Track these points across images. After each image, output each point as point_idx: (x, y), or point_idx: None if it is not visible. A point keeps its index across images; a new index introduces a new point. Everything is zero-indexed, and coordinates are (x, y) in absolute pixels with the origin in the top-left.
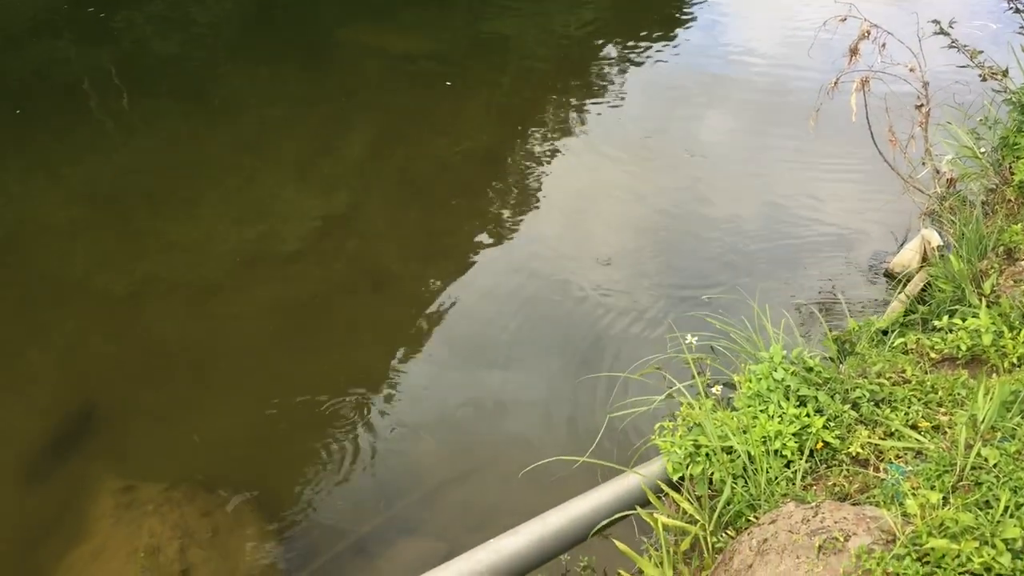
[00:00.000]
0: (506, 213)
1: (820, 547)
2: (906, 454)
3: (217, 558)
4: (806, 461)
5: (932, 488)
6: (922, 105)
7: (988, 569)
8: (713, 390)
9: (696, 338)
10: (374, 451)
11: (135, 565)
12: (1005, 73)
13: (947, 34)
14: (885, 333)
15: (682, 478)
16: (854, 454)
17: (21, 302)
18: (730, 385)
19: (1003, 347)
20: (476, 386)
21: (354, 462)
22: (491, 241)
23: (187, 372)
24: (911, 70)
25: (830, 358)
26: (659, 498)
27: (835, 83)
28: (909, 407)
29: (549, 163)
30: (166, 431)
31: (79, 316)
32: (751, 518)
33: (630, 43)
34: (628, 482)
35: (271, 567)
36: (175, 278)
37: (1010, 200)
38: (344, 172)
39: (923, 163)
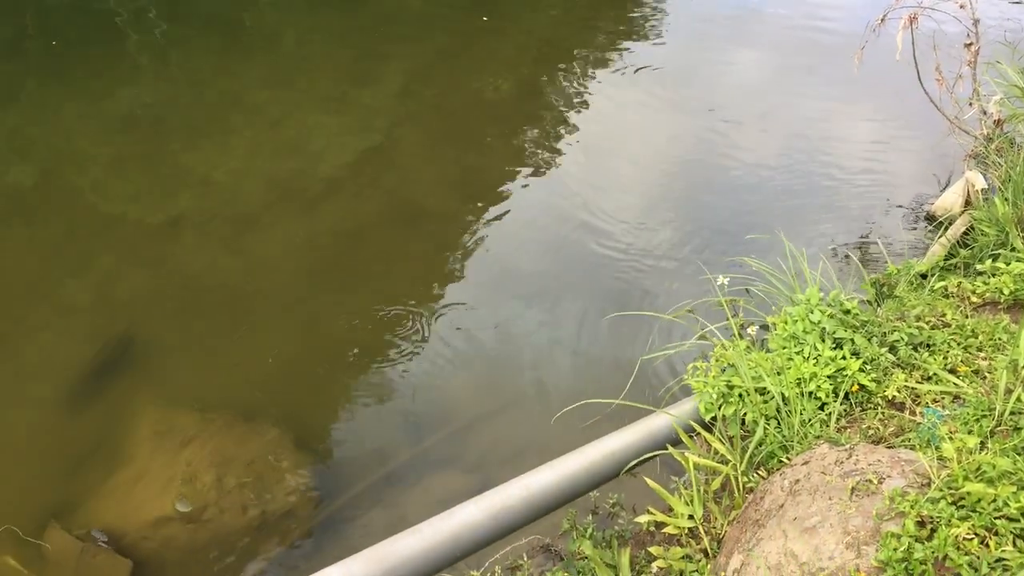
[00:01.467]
0: (541, 150)
1: (853, 489)
2: (943, 398)
3: (252, 487)
4: (841, 404)
5: (970, 432)
6: (971, 43)
7: None
8: (748, 331)
9: (729, 280)
10: (407, 385)
11: (172, 492)
12: None
13: None
14: (925, 277)
15: (714, 418)
16: (890, 397)
17: (61, 233)
18: (764, 327)
19: None
20: (508, 323)
21: (387, 396)
22: (525, 178)
23: (223, 304)
24: (961, 6)
25: (868, 301)
26: (691, 438)
27: (882, 20)
28: (948, 351)
29: (585, 101)
30: (203, 362)
31: (117, 247)
32: (783, 459)
33: None
34: (659, 421)
35: (306, 496)
36: (211, 211)
37: None
38: (380, 106)
39: (970, 103)
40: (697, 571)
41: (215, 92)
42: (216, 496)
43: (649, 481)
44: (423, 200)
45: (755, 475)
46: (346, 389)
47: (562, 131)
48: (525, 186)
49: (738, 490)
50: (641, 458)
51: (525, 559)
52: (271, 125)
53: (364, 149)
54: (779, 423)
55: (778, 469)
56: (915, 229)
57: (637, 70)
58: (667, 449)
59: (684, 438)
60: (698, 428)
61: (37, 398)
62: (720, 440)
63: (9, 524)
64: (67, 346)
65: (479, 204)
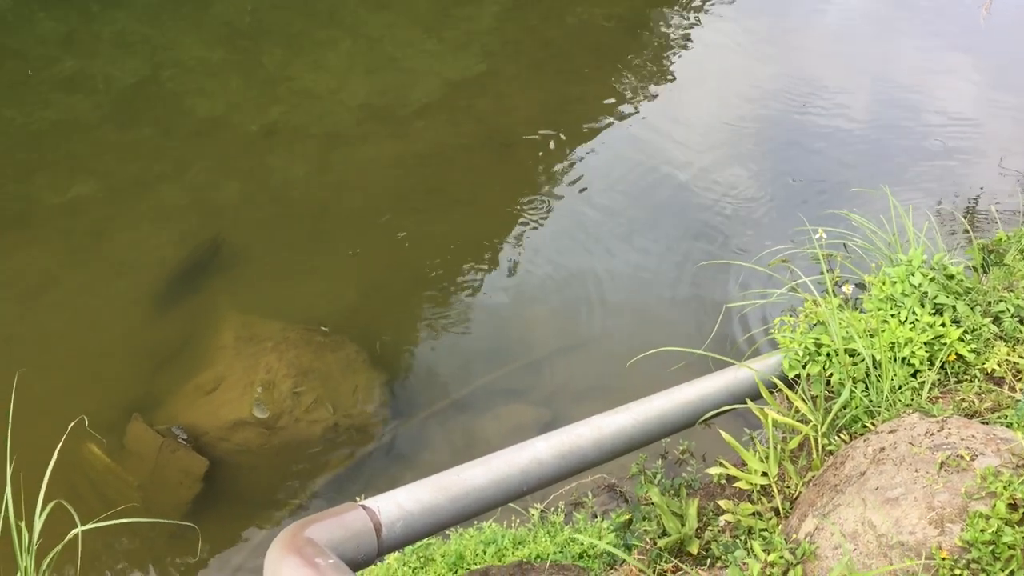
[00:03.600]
0: (639, 86)
1: (942, 463)
2: None
3: (328, 399)
4: (936, 373)
5: None
6: None
7: None
8: (842, 289)
9: (827, 233)
10: (486, 313)
11: (250, 397)
12: None
13: None
14: None
15: (798, 376)
16: (989, 371)
17: (160, 135)
18: (860, 286)
19: None
20: (593, 260)
21: (465, 322)
22: (621, 113)
23: (311, 218)
24: None
25: (973, 268)
26: (771, 394)
27: None
28: None
29: (690, 39)
30: (288, 273)
31: (213, 153)
32: (868, 425)
33: None
34: (740, 374)
35: (377, 414)
36: (305, 124)
37: None
38: (479, 31)
39: None
40: (767, 529)
41: (316, 7)
42: (291, 405)
43: (724, 434)
44: (515, 129)
45: (836, 438)
46: (424, 312)
47: (661, 68)
48: (619, 121)
49: (817, 452)
50: (718, 411)
51: (590, 497)
52: (369, 43)
53: (460, 73)
54: (867, 387)
55: (862, 435)
56: None
57: (747, 12)
58: (745, 403)
59: (764, 393)
60: (779, 384)
61: (128, 295)
62: (802, 399)
63: (94, 415)
64: (159, 246)
65: (571, 136)
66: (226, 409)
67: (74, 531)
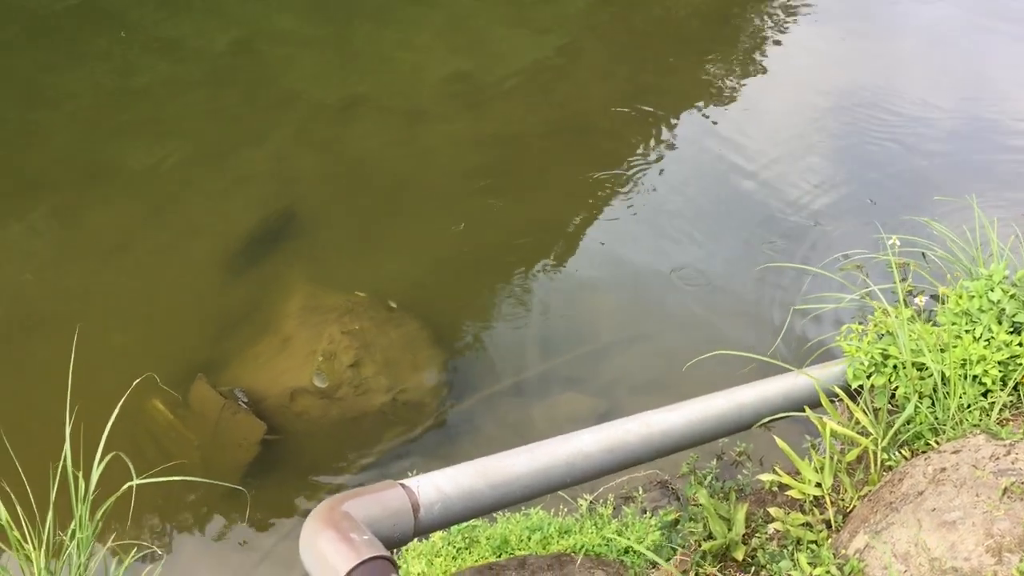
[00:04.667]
0: (724, 81)
1: (1006, 489)
2: None
3: (387, 373)
4: (1008, 394)
5: None
6: None
7: None
8: (915, 300)
9: (901, 242)
10: (548, 299)
11: (312, 366)
12: None
13: None
14: None
15: (861, 387)
16: None
17: (243, 101)
18: (935, 298)
19: None
20: (661, 253)
21: (527, 307)
22: (702, 107)
23: (385, 193)
24: None
25: None
26: (832, 403)
27: None
28: None
29: (780, 37)
30: (357, 246)
31: (293, 122)
32: (931, 443)
33: None
34: (800, 381)
35: (435, 392)
36: (386, 98)
37: None
38: (563, 15)
39: None
40: (816, 542)
41: None
42: (351, 376)
43: (779, 441)
44: (593, 115)
45: (896, 454)
46: (488, 294)
47: (748, 64)
48: (699, 114)
49: (875, 466)
50: (774, 417)
51: (640, 492)
52: (457, 21)
53: (540, 56)
54: (933, 403)
55: (923, 452)
56: None
57: (843, 8)
58: (804, 411)
59: (825, 403)
60: (841, 394)
61: (202, 259)
62: (864, 411)
63: (160, 372)
64: (235, 212)
65: (649, 127)
66: (287, 376)
67: (128, 484)
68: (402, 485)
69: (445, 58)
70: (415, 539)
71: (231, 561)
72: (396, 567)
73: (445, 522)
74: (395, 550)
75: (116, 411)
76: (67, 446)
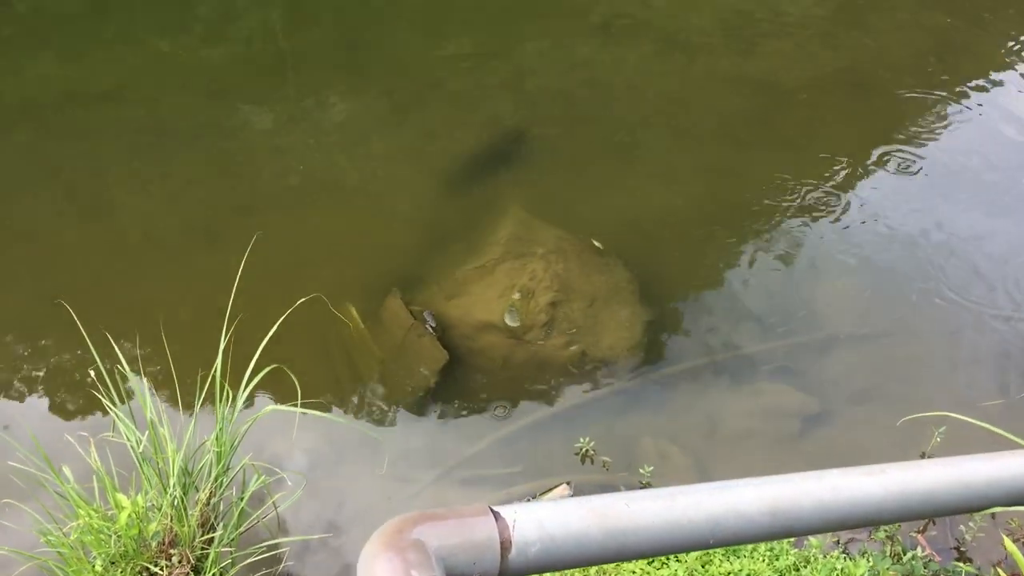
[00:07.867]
0: None
1: None
2: None
3: (583, 324)
4: None
5: None
6: None
7: None
8: None
9: None
10: (779, 273)
11: (506, 301)
12: None
13: None
14: None
15: None
16: None
17: (501, 10)
18: None
19: None
20: (924, 246)
21: (753, 278)
22: (1014, 74)
23: (624, 125)
24: None
25: None
26: None
27: None
28: None
29: None
30: (583, 182)
31: (545, 38)
32: None
33: None
34: None
35: (630, 354)
36: (653, 22)
37: None
38: None
39: None
40: None
41: None
42: (545, 320)
43: (1008, 542)
44: (877, 70)
45: None
46: (714, 255)
47: None
48: (1009, 82)
49: None
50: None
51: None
52: None
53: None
54: None
55: None
56: None
57: None
58: None
59: None
60: None
61: (426, 168)
62: None
63: (360, 280)
64: (467, 125)
65: (943, 90)
66: (480, 308)
67: (268, 408)
68: (495, 512)
69: None
70: None
71: (386, 489)
72: None
73: (541, 568)
74: None
75: (280, 320)
76: (220, 351)
